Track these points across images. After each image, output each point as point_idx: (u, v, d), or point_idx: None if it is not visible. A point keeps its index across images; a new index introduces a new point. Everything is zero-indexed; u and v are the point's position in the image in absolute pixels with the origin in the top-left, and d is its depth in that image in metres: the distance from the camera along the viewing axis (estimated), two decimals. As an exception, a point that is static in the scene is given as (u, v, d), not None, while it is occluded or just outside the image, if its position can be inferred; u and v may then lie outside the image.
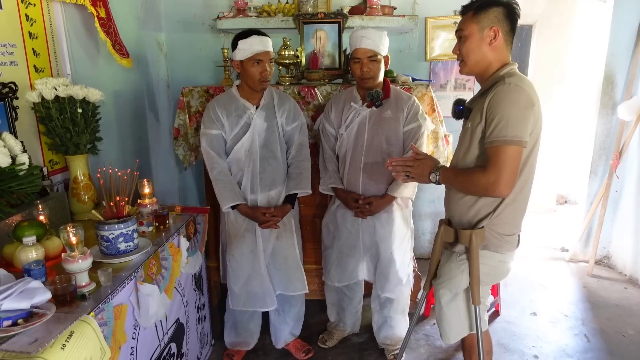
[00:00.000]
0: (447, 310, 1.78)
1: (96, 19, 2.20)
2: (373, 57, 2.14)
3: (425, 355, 2.53)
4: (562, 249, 3.94)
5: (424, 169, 1.69)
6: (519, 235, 1.72)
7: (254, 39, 2.07)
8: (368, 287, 2.57)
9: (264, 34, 2.12)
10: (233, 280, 2.32)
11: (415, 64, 3.30)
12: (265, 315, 2.52)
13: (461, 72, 1.68)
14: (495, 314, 2.91)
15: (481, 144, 1.56)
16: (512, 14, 1.56)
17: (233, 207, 2.20)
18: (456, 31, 1.66)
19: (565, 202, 5.31)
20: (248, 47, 2.07)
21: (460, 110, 1.67)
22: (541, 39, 4.65)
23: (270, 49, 2.13)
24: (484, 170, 1.51)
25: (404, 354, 2.46)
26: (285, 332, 2.50)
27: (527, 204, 1.66)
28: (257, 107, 2.19)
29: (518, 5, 1.58)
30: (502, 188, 1.48)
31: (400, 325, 2.49)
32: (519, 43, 5.89)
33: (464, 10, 1.62)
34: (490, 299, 1.86)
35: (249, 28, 2.16)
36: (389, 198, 2.24)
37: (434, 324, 1.78)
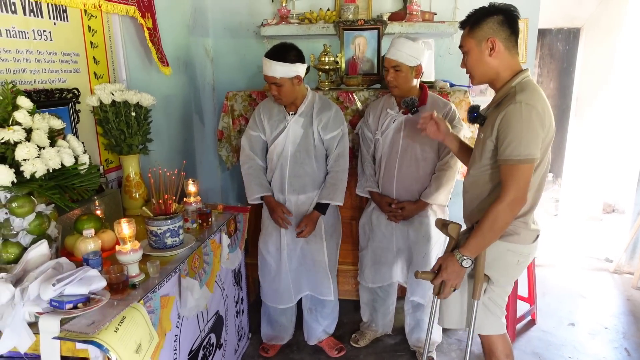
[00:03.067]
0: (451, 297, 1.79)
1: (145, 29, 2.37)
2: (397, 68, 2.19)
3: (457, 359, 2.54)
4: (606, 259, 3.81)
5: (452, 270, 1.67)
6: (537, 235, 1.73)
7: (264, 60, 2.13)
8: (402, 289, 2.61)
9: (276, 58, 2.11)
10: (261, 275, 2.47)
11: (456, 69, 3.29)
12: (300, 312, 2.61)
13: (472, 84, 1.75)
14: (531, 323, 2.88)
15: (490, 159, 1.64)
16: (507, 20, 1.59)
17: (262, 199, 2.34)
18: (459, 47, 1.72)
19: (613, 210, 5.11)
20: (263, 66, 2.16)
21: (475, 117, 1.73)
22: (589, 41, 4.51)
23: (274, 74, 2.11)
24: (499, 198, 1.56)
25: (434, 357, 2.50)
26: (318, 330, 2.58)
27: (536, 204, 1.69)
28: (294, 114, 2.28)
29: (512, 8, 1.61)
30: (523, 199, 1.56)
31: (432, 328, 2.51)
32: (567, 46, 5.73)
33: (462, 27, 1.68)
34: (503, 302, 1.81)
35: (281, 42, 2.22)
36: (422, 204, 2.28)
37: (466, 329, 1.80)
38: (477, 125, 1.82)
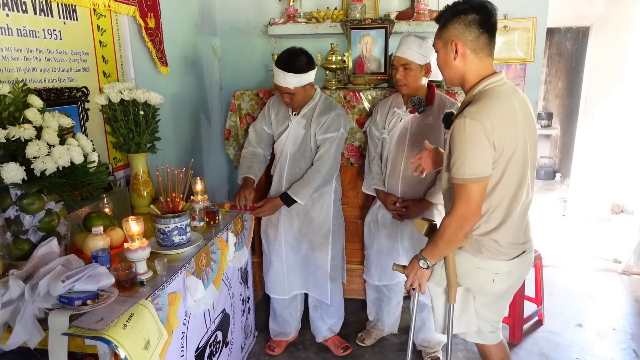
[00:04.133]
0: (435, 304, 1.79)
1: (144, 29, 2.40)
2: (407, 66, 2.18)
3: (463, 359, 2.54)
4: (614, 260, 3.78)
5: (412, 267, 1.68)
6: (521, 251, 1.62)
7: (276, 70, 2.14)
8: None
9: (289, 69, 2.10)
10: (264, 265, 2.54)
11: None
12: (307, 310, 2.63)
13: (445, 84, 1.68)
14: (538, 323, 2.86)
15: (446, 172, 1.57)
16: (479, 19, 1.47)
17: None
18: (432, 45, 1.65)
19: (622, 211, 5.07)
20: (274, 74, 2.17)
21: (449, 124, 1.63)
22: (598, 41, 4.48)
23: (288, 85, 2.13)
24: (450, 212, 1.52)
25: (440, 357, 2.49)
26: (324, 329, 2.59)
27: (508, 221, 1.56)
28: (297, 114, 2.29)
29: (488, 5, 1.48)
30: (473, 217, 1.50)
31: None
32: (576, 45, 5.69)
33: (436, 23, 1.59)
34: (497, 315, 1.76)
35: (290, 47, 2.22)
36: (427, 203, 2.28)
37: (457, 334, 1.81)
38: None
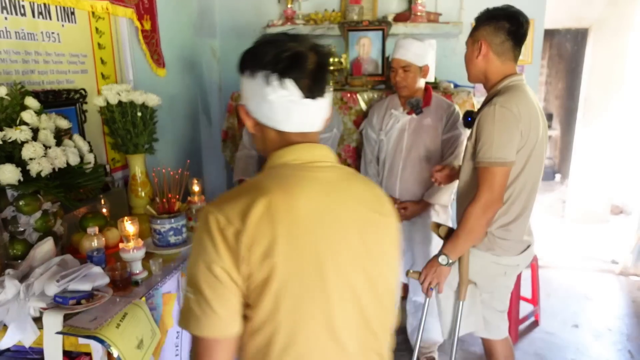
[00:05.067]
0: (444, 306, 1.82)
1: (140, 32, 2.42)
2: (406, 68, 2.20)
3: (459, 360, 2.55)
4: (612, 261, 3.79)
5: (431, 266, 1.73)
6: (527, 245, 1.72)
7: None
8: (406, 289, 2.62)
9: None
10: None
11: (461, 69, 3.29)
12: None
13: (468, 80, 1.77)
14: (534, 324, 2.87)
15: (471, 161, 1.65)
16: (508, 27, 1.58)
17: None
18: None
19: (621, 212, 5.07)
20: None
21: (469, 122, 1.74)
22: (597, 42, 4.48)
23: None
24: (473, 200, 1.57)
25: (436, 357, 2.51)
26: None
27: (524, 214, 1.67)
28: None
29: (518, 16, 1.60)
30: (497, 203, 1.56)
31: (434, 328, 2.52)
32: (575, 46, 5.69)
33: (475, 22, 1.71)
34: (504, 306, 1.82)
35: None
36: (424, 204, 2.29)
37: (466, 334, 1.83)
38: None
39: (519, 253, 1.69)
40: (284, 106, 0.89)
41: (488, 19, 1.62)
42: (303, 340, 0.84)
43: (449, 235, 1.75)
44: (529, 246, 1.72)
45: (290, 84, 0.88)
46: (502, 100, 1.53)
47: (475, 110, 1.79)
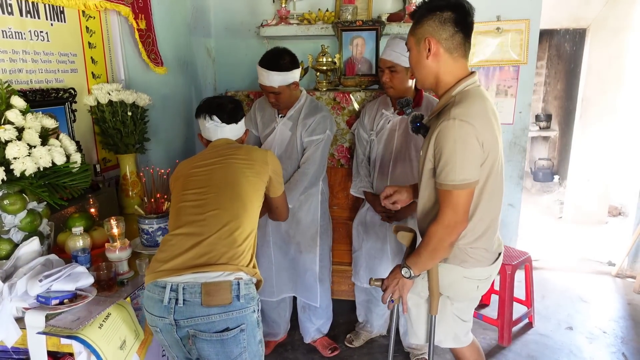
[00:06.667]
0: (415, 314, 1.77)
1: (136, 30, 2.41)
2: (392, 68, 2.18)
3: (451, 361, 2.54)
4: (608, 263, 3.77)
5: (393, 277, 1.60)
6: (498, 254, 1.62)
7: (260, 69, 2.13)
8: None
9: (272, 67, 2.10)
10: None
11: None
12: (296, 311, 2.64)
13: (417, 86, 1.61)
14: (528, 326, 2.86)
15: (430, 178, 1.51)
16: (455, 17, 1.41)
17: None
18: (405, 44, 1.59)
19: (619, 214, 5.05)
20: (259, 74, 2.16)
21: (417, 127, 1.61)
22: (595, 43, 4.46)
23: (272, 84, 2.12)
24: (436, 220, 1.45)
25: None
26: (312, 330, 2.59)
27: (492, 226, 1.56)
28: (283, 116, 2.30)
29: (461, 7, 1.42)
30: (461, 225, 1.45)
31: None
32: (574, 47, 5.67)
33: (411, 19, 1.52)
34: (471, 316, 1.75)
35: (273, 48, 2.21)
36: (415, 205, 2.27)
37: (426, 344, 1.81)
38: None
39: (491, 263, 1.60)
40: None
41: (430, 11, 1.42)
42: None
43: (412, 243, 1.66)
44: (499, 254, 1.63)
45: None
46: (461, 113, 1.37)
47: (424, 115, 1.64)
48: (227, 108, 1.71)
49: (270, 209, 1.89)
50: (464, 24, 1.42)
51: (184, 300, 1.35)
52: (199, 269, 1.38)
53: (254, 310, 1.47)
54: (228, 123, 1.71)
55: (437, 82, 1.49)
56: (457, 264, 1.57)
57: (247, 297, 1.43)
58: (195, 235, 1.44)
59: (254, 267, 1.52)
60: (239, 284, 1.40)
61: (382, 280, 1.67)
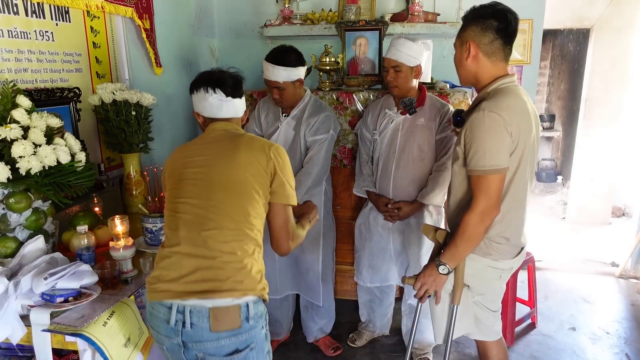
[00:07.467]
0: (438, 310, 1.79)
1: (142, 30, 2.43)
2: (397, 68, 2.19)
3: (454, 361, 2.54)
4: (612, 263, 3.76)
5: (429, 274, 1.67)
6: (520, 248, 1.70)
7: (265, 64, 2.15)
8: (401, 290, 2.62)
9: (278, 62, 2.11)
10: None
11: (459, 70, 3.29)
12: (299, 310, 2.64)
13: (460, 83, 1.71)
14: (531, 326, 2.85)
15: (461, 167, 1.60)
16: (497, 26, 1.52)
17: None
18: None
19: (623, 214, 5.04)
20: (264, 69, 2.17)
21: (458, 121, 1.70)
22: (599, 43, 4.45)
23: (277, 78, 2.13)
24: (470, 208, 1.53)
25: (430, 358, 2.50)
26: (315, 329, 2.60)
27: (520, 217, 1.65)
28: (287, 115, 2.30)
29: (508, 14, 1.53)
30: (494, 210, 1.53)
31: (429, 330, 2.51)
32: (578, 47, 5.66)
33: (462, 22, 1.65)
34: (498, 306, 1.80)
35: (280, 45, 2.24)
36: (418, 205, 2.28)
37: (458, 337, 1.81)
38: None
39: (514, 256, 1.68)
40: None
41: (475, 17, 1.56)
42: None
43: (446, 239, 1.72)
44: (522, 248, 1.72)
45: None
46: (490, 105, 1.48)
47: (465, 110, 1.76)
48: (230, 81, 1.54)
49: (269, 232, 1.60)
50: (505, 32, 1.54)
51: (191, 323, 1.27)
52: (205, 294, 1.28)
53: (263, 327, 1.40)
54: (233, 97, 1.53)
55: (476, 81, 1.63)
56: (481, 255, 1.64)
57: (256, 317, 1.35)
58: (197, 258, 1.32)
59: (260, 281, 1.41)
60: (247, 306, 1.32)
61: (415, 278, 1.73)
